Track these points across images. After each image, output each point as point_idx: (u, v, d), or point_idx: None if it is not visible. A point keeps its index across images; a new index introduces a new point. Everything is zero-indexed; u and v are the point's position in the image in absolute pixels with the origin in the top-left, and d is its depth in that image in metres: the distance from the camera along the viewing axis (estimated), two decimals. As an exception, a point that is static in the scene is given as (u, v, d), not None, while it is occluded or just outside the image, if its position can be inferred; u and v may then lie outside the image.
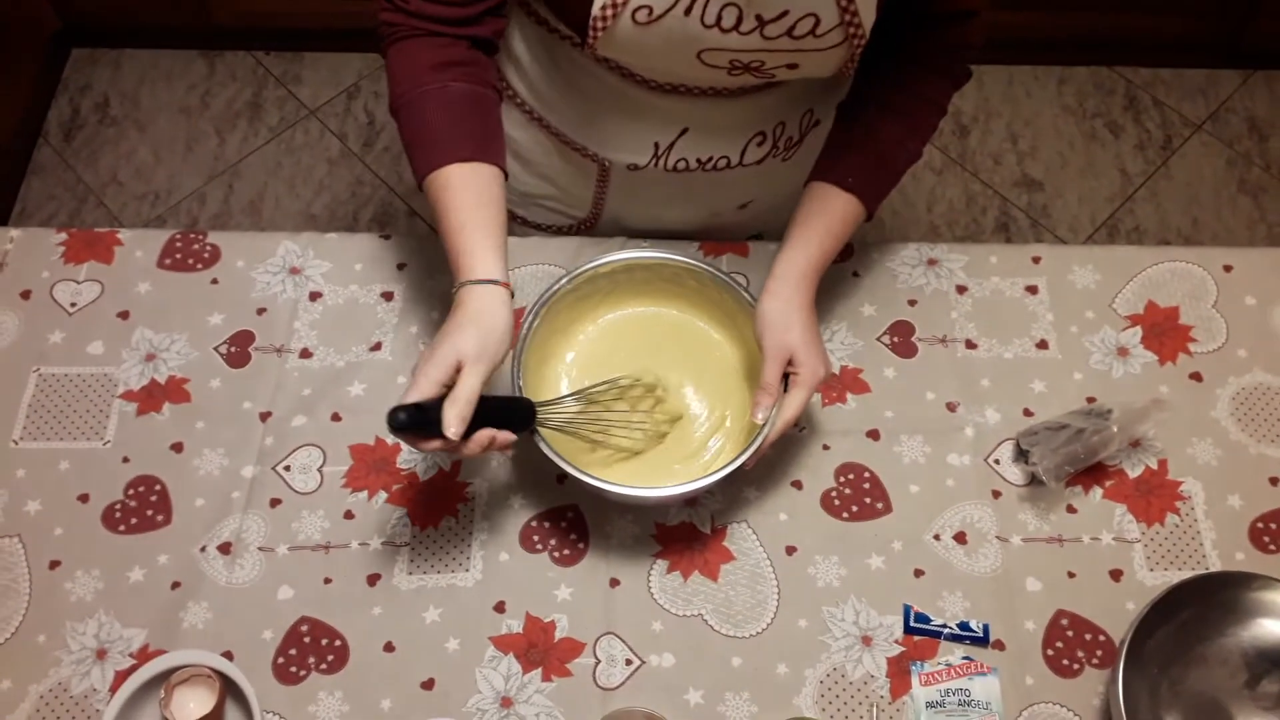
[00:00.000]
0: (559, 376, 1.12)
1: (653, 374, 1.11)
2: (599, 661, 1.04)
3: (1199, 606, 1.01)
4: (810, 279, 1.05)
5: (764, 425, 1.00)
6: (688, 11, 0.94)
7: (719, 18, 0.95)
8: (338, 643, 1.05)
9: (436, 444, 0.91)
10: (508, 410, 0.99)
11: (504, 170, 1.04)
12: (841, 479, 1.13)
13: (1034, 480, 1.13)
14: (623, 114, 1.13)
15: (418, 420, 0.89)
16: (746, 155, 1.17)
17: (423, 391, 0.91)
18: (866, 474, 1.14)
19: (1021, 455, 1.14)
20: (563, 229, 1.32)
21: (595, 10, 0.95)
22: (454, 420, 0.90)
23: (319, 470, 1.13)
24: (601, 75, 1.08)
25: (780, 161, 1.20)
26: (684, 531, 1.10)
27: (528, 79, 1.16)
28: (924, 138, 1.10)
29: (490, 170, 1.02)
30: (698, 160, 1.16)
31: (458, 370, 0.92)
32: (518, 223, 1.33)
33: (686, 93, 1.08)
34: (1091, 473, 1.13)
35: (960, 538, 1.10)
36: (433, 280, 1.24)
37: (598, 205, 1.27)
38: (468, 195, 1.00)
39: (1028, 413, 1.17)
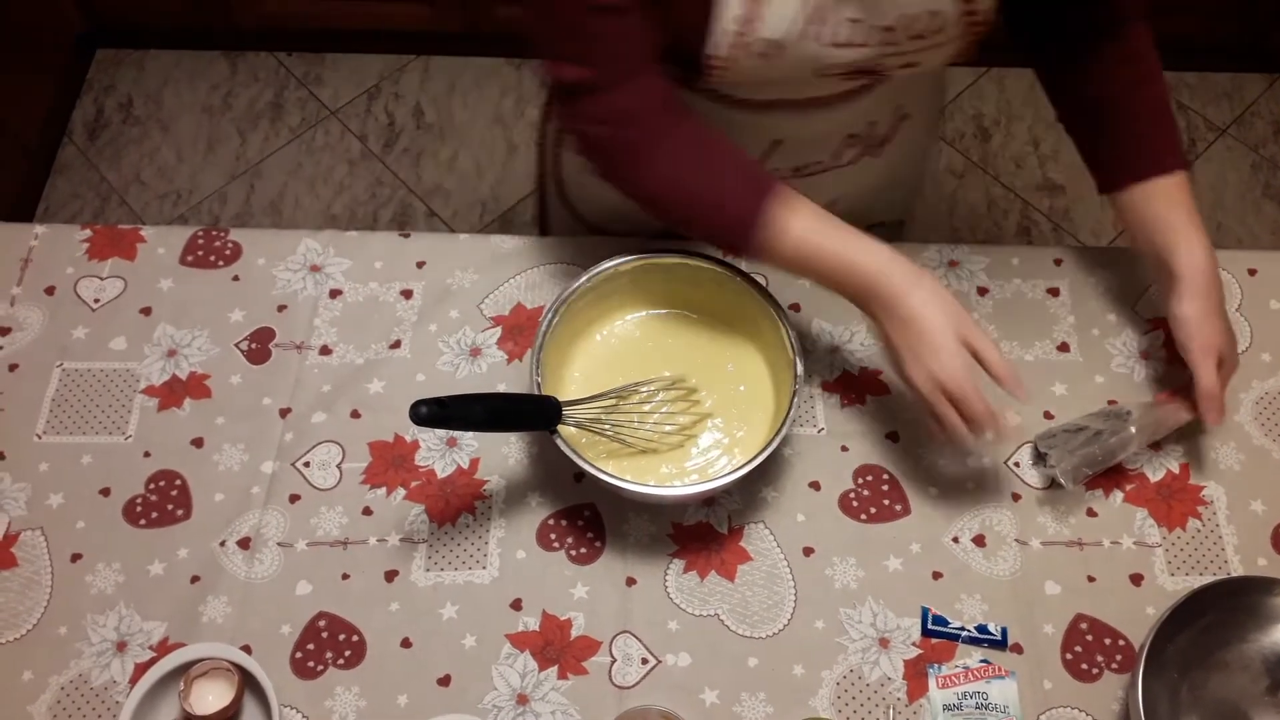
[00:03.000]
0: (577, 376, 1.12)
1: (690, 375, 1.11)
2: (615, 660, 1.04)
3: (1220, 611, 1.01)
4: (1212, 273, 1.11)
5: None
6: (814, 38, 0.94)
7: (842, 37, 0.95)
8: (355, 638, 1.05)
9: None
10: (532, 409, 0.99)
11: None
12: (860, 480, 1.13)
13: (1053, 483, 1.12)
14: None
15: (438, 414, 0.90)
16: (839, 156, 1.16)
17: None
18: (885, 476, 1.13)
19: (1040, 458, 1.13)
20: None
21: (722, 52, 0.94)
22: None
23: (338, 467, 1.13)
24: (694, 100, 1.06)
25: (870, 158, 1.19)
26: (701, 531, 1.10)
27: None
28: (1159, 74, 1.11)
29: (783, 183, 0.99)
30: (792, 169, 1.15)
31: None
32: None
33: (782, 107, 1.07)
34: (1112, 476, 1.12)
35: (979, 540, 1.10)
36: (452, 279, 1.24)
37: None
38: (815, 219, 0.98)
39: (1048, 415, 1.16)
